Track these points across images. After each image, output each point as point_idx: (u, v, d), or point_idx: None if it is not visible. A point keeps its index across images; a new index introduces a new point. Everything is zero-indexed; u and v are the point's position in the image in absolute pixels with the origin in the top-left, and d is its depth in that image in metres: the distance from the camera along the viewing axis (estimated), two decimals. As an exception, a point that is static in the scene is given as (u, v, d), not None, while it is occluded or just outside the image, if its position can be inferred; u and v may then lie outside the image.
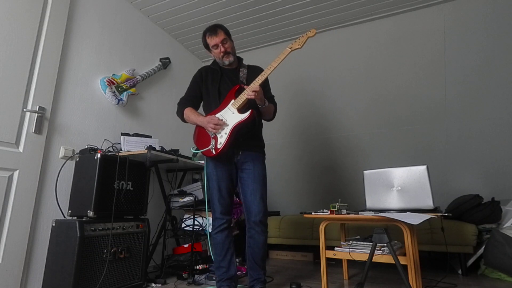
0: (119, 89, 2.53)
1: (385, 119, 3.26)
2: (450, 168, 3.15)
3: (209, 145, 1.77)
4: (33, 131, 1.91)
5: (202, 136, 1.84)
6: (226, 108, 1.80)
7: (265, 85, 1.92)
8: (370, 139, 3.41)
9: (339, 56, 3.17)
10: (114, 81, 2.51)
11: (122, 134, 2.40)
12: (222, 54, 1.87)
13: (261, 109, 1.83)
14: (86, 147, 2.14)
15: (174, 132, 3.24)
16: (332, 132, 3.54)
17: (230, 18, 2.98)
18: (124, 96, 2.55)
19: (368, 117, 3.32)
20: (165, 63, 3.13)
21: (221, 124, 1.75)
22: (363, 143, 3.45)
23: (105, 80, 2.43)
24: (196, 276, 2.24)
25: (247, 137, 1.83)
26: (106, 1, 2.58)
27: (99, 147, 2.18)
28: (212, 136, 1.79)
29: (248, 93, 1.71)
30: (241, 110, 1.76)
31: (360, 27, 2.97)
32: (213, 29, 1.88)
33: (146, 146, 2.21)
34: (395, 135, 3.28)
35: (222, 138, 1.76)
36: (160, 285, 2.15)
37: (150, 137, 2.47)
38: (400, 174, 1.90)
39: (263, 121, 1.99)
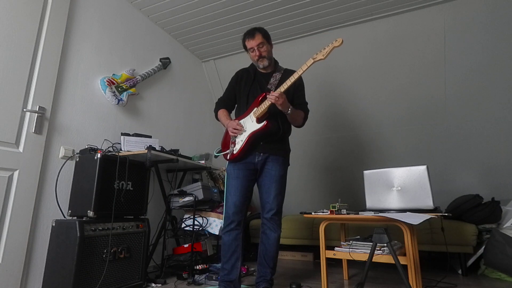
0: (119, 89, 2.53)
1: (385, 119, 3.26)
2: (450, 168, 3.15)
3: (229, 149, 1.88)
4: (33, 131, 1.91)
5: (227, 140, 1.95)
6: (248, 116, 1.87)
7: (297, 91, 1.96)
8: (370, 139, 3.41)
9: (338, 56, 3.17)
10: (114, 81, 2.50)
11: (122, 134, 2.40)
12: (257, 57, 1.92)
13: (287, 116, 1.84)
14: (86, 147, 2.14)
15: (174, 132, 3.24)
16: (331, 132, 3.54)
17: (230, 18, 2.98)
18: (124, 96, 2.55)
19: (367, 117, 3.32)
20: (165, 63, 3.13)
21: (239, 129, 1.84)
22: (363, 143, 3.45)
23: (105, 80, 2.43)
24: (196, 276, 2.24)
25: (268, 141, 1.87)
26: (106, 1, 2.58)
27: (99, 147, 2.18)
28: (232, 141, 1.88)
29: (270, 97, 1.74)
30: (260, 119, 1.81)
31: (360, 27, 2.96)
32: (252, 32, 1.93)
33: (146, 146, 2.21)
34: (395, 135, 3.28)
35: (238, 145, 1.85)
36: (160, 285, 2.15)
37: (150, 137, 2.47)
38: (400, 174, 1.91)
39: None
